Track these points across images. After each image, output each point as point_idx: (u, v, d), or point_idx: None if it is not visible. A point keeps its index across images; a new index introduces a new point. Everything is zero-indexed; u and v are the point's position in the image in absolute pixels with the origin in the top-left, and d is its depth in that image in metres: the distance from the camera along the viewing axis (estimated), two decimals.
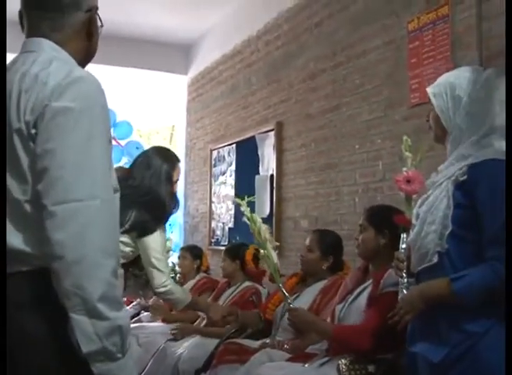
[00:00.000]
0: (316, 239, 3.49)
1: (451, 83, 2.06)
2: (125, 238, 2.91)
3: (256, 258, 4.38)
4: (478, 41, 3.03)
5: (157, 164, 3.10)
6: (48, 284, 1.39)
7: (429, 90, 2.14)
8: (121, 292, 1.46)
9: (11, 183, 1.43)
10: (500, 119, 1.95)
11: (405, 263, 2.13)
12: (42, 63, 1.47)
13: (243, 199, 3.18)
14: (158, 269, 2.96)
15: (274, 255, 3.09)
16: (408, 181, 2.18)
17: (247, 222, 3.11)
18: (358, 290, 2.84)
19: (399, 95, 3.63)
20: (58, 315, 1.39)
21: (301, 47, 4.79)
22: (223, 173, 6.19)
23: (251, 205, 5.16)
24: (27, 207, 1.42)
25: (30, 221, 1.42)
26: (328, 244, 3.49)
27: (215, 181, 6.39)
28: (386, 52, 3.77)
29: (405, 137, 2.28)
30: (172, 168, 3.14)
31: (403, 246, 2.19)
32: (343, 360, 2.65)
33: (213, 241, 6.34)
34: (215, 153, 6.41)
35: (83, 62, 1.62)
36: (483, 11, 3.02)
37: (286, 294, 3.05)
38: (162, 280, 2.97)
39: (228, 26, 6.28)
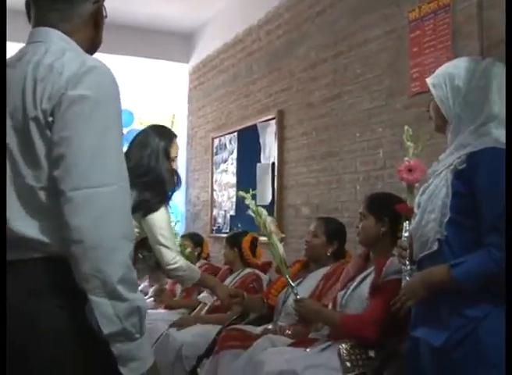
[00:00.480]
0: (321, 225, 3.54)
1: (450, 74, 2.09)
2: None
3: (253, 245, 4.43)
4: (478, 30, 3.05)
5: (153, 142, 3.05)
6: (64, 271, 1.42)
7: (429, 80, 2.16)
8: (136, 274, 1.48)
9: (25, 170, 1.45)
10: (498, 107, 1.98)
11: (408, 251, 2.17)
12: (55, 53, 1.48)
13: (247, 192, 3.20)
14: (166, 246, 2.92)
15: (280, 246, 3.12)
16: (410, 170, 2.21)
17: (252, 215, 3.14)
18: (360, 277, 2.87)
19: (400, 84, 3.65)
20: (74, 300, 1.42)
21: (302, 36, 4.81)
22: (225, 161, 6.22)
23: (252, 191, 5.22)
24: (42, 194, 1.44)
25: (45, 208, 1.44)
26: (333, 230, 3.55)
27: (216, 169, 6.42)
28: (387, 41, 3.79)
29: (406, 127, 2.30)
30: (169, 144, 3.09)
31: (406, 234, 2.22)
32: (343, 345, 2.69)
33: (214, 228, 6.38)
34: (216, 141, 6.43)
35: (89, 52, 1.63)
36: (483, 1, 3.04)
37: (293, 284, 3.07)
38: (171, 257, 2.93)
39: (229, 14, 6.29)
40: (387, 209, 2.69)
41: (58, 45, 1.52)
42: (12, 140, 1.46)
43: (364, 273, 2.87)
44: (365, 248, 3.00)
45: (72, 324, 1.44)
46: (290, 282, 3.07)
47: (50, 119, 1.41)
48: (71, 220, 1.37)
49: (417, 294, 2.03)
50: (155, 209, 2.93)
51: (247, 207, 3.17)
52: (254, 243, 4.45)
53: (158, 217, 2.94)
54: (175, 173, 3.14)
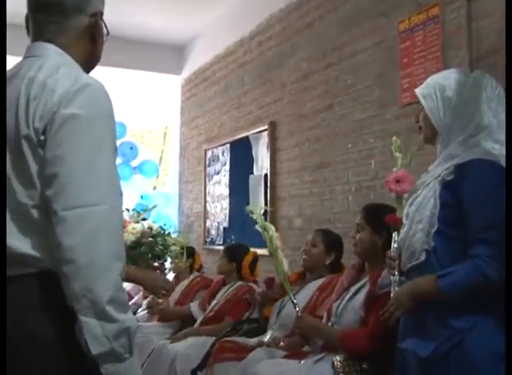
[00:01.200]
0: (320, 235, 3.56)
1: (440, 85, 2.09)
2: None
3: (253, 264, 4.43)
4: (467, 41, 3.08)
5: None
6: (55, 286, 1.42)
7: (418, 91, 2.17)
8: (126, 294, 1.47)
9: (18, 188, 1.44)
10: (487, 118, 2.00)
11: (397, 262, 2.17)
12: (49, 69, 1.48)
13: (243, 203, 3.20)
14: None
15: (285, 262, 3.11)
16: (398, 181, 2.22)
17: (260, 230, 3.12)
18: (355, 288, 2.87)
19: (390, 95, 3.67)
20: (65, 316, 1.41)
21: (293, 47, 4.83)
22: (217, 173, 6.23)
23: (245, 203, 5.22)
24: (34, 212, 1.44)
25: (37, 225, 1.44)
26: (332, 240, 3.57)
27: (209, 181, 6.42)
28: (377, 52, 3.81)
29: (394, 138, 2.32)
30: None
31: (395, 245, 2.23)
32: (337, 357, 2.69)
33: (208, 240, 6.37)
34: (209, 153, 6.44)
35: (86, 67, 1.63)
36: (472, 12, 3.06)
37: (295, 301, 3.05)
38: None
39: (221, 26, 6.31)
40: (384, 221, 2.69)
41: (54, 61, 1.52)
42: (5, 157, 1.45)
43: (359, 284, 2.87)
44: (361, 260, 2.99)
45: (63, 341, 1.43)
46: (293, 299, 3.04)
47: (42, 137, 1.41)
48: (63, 240, 1.37)
49: (404, 305, 2.03)
50: None
51: (255, 222, 3.13)
52: (254, 261, 4.44)
53: None
54: None
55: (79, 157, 1.40)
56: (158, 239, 2.96)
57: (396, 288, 2.15)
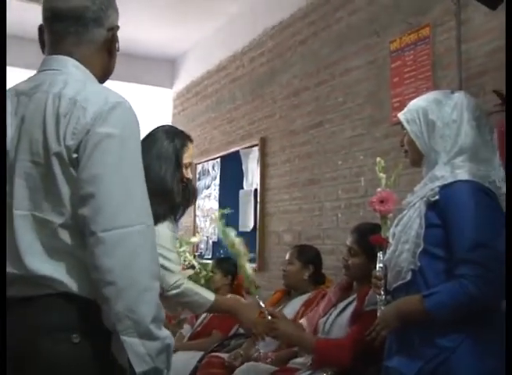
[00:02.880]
0: (295, 252, 3.61)
1: (423, 109, 2.11)
2: None
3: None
4: (457, 62, 3.12)
5: (161, 145, 2.56)
6: (75, 308, 1.41)
7: (401, 116, 2.18)
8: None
9: (45, 205, 1.41)
10: (470, 139, 2.02)
11: (382, 281, 2.19)
12: (75, 86, 1.46)
13: (223, 209, 3.17)
14: (166, 268, 2.40)
15: (248, 266, 3.08)
16: (382, 201, 2.24)
17: (221, 235, 3.07)
18: (342, 305, 2.87)
19: (381, 113, 3.70)
20: (85, 337, 1.41)
21: (285, 64, 4.87)
22: (207, 187, 6.23)
23: (236, 218, 5.23)
24: (61, 231, 1.41)
25: (61, 246, 1.42)
26: (306, 254, 3.60)
27: (199, 195, 6.42)
28: (369, 71, 3.85)
29: (378, 159, 2.34)
30: (180, 148, 2.59)
31: (380, 265, 2.24)
32: (329, 372, 2.69)
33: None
34: (199, 167, 6.45)
35: (100, 81, 1.62)
36: (462, 33, 3.11)
37: (262, 304, 3.02)
38: (173, 281, 2.44)
39: (214, 41, 6.35)
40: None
41: (77, 76, 1.51)
42: (32, 172, 1.42)
43: (347, 301, 2.87)
44: (350, 280, 2.98)
45: (78, 361, 1.42)
46: (260, 302, 3.01)
47: (74, 155, 1.39)
48: (102, 262, 1.35)
49: (391, 324, 2.04)
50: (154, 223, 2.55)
51: (217, 228, 3.10)
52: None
53: (156, 234, 2.52)
54: (188, 183, 2.65)
55: (116, 177, 1.39)
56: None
57: (382, 308, 2.16)
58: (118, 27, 1.65)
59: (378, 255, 2.25)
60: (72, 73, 1.51)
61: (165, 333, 1.43)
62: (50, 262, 1.41)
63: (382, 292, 2.18)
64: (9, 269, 1.42)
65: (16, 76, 1.66)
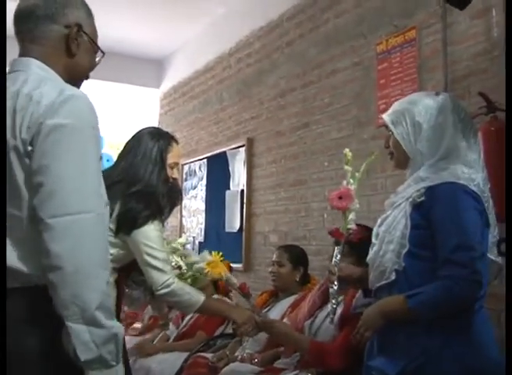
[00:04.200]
0: (284, 253, 3.57)
1: (409, 110, 2.11)
2: (111, 238, 2.40)
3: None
4: (443, 64, 3.14)
5: (146, 146, 2.58)
6: (43, 301, 1.43)
7: (386, 117, 2.18)
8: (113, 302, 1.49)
9: (8, 199, 1.46)
10: (454, 141, 2.04)
11: (336, 275, 2.25)
12: (33, 83, 1.50)
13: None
14: (155, 268, 2.43)
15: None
16: (340, 198, 2.27)
17: None
18: (328, 306, 2.85)
19: (367, 115, 3.72)
20: (53, 329, 1.42)
21: (272, 65, 4.88)
22: (194, 188, 6.23)
23: (222, 219, 5.24)
24: (22, 223, 1.45)
25: (25, 237, 1.45)
26: (297, 256, 3.59)
27: (185, 195, 6.41)
28: (355, 72, 3.87)
29: (345, 150, 2.37)
30: (165, 148, 2.61)
31: (336, 259, 2.28)
32: (310, 374, 2.70)
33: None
34: (186, 167, 6.45)
35: (68, 81, 1.62)
36: (448, 36, 3.13)
37: (249, 300, 2.95)
38: (162, 280, 2.44)
39: (201, 42, 6.35)
40: (364, 245, 2.57)
41: (37, 75, 1.54)
42: None
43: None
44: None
45: (47, 354, 1.45)
46: (242, 294, 2.95)
47: (29, 148, 1.43)
48: (50, 247, 1.39)
49: (374, 324, 2.04)
50: (142, 224, 2.44)
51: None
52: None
53: (144, 234, 2.44)
54: (173, 183, 2.66)
55: (64, 166, 1.42)
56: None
57: (333, 301, 2.29)
58: (79, 25, 1.66)
59: (335, 250, 2.29)
60: (33, 73, 1.55)
61: (113, 323, 1.43)
62: (15, 254, 1.45)
63: (335, 286, 2.28)
64: None
65: None
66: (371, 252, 2.14)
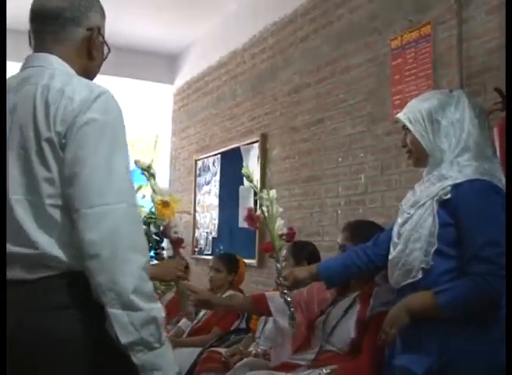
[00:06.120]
0: (289, 249, 3.56)
1: (426, 108, 2.13)
2: None
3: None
4: (458, 60, 3.12)
5: None
6: (78, 286, 1.47)
7: (402, 116, 2.19)
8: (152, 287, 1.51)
9: (42, 187, 1.49)
10: (473, 138, 2.04)
11: (285, 286, 2.43)
12: (62, 78, 1.56)
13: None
14: None
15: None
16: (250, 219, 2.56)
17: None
18: (343, 306, 2.76)
19: (381, 111, 3.71)
20: (90, 314, 1.47)
21: (286, 60, 4.87)
22: (208, 183, 6.24)
23: (236, 215, 5.25)
24: (55, 211, 1.49)
25: (58, 225, 1.50)
26: (300, 251, 3.53)
27: (199, 191, 6.44)
28: (369, 68, 3.86)
29: (244, 168, 2.71)
30: None
31: (278, 265, 2.52)
32: (324, 370, 2.67)
33: (196, 250, 6.38)
34: (199, 163, 6.46)
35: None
36: (463, 32, 3.12)
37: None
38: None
39: (214, 38, 6.36)
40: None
41: (62, 71, 1.60)
42: (24, 158, 1.51)
43: (347, 302, 2.76)
44: None
45: (88, 337, 1.48)
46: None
47: (63, 140, 1.48)
48: (86, 235, 1.43)
49: (401, 322, 2.02)
50: None
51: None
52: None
53: None
54: None
55: (99, 157, 1.48)
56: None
57: (289, 299, 2.47)
58: (99, 28, 1.72)
59: (276, 264, 2.44)
60: (57, 68, 1.61)
61: (151, 305, 1.47)
62: (51, 242, 1.49)
63: (288, 297, 2.49)
64: (12, 248, 1.49)
65: (11, 70, 1.72)
66: (395, 251, 2.13)
